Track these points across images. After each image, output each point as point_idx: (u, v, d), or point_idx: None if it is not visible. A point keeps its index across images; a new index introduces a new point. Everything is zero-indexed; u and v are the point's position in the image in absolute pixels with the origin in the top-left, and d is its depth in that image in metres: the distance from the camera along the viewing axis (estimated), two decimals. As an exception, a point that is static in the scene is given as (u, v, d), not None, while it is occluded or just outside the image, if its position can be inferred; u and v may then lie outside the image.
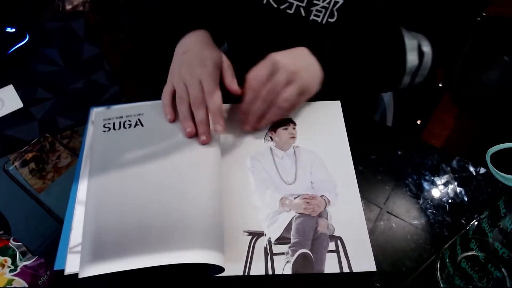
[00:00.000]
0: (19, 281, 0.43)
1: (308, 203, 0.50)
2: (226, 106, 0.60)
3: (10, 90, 0.67)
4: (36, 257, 0.45)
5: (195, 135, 0.53)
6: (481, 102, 1.48)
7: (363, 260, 0.46)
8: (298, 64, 0.52)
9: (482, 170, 0.57)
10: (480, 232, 0.40)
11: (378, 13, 0.56)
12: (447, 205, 0.53)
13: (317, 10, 0.56)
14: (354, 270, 0.45)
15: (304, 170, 0.54)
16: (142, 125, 0.54)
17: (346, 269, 0.45)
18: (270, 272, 0.45)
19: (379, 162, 0.57)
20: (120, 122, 0.55)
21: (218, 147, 0.54)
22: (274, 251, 0.47)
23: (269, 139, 0.57)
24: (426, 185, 0.55)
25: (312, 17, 0.57)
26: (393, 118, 0.85)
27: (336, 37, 0.57)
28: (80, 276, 0.41)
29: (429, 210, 0.53)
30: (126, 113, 0.56)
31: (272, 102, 0.52)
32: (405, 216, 0.52)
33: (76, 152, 0.59)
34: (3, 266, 0.43)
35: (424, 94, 0.94)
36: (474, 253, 0.40)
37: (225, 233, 0.46)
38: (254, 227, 0.48)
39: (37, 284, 0.44)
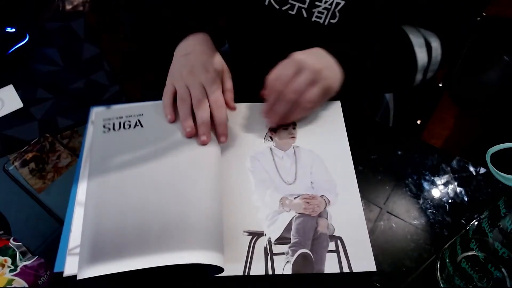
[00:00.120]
0: (19, 281, 0.43)
1: (308, 203, 0.50)
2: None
3: (10, 90, 0.67)
4: (36, 257, 0.45)
5: (194, 135, 0.53)
6: (481, 102, 1.48)
7: (363, 260, 0.46)
8: (322, 63, 0.52)
9: (482, 170, 0.57)
10: (480, 232, 0.40)
11: (379, 14, 0.56)
12: (447, 205, 0.54)
13: (319, 12, 0.56)
14: (354, 270, 0.45)
15: (304, 170, 0.54)
16: (141, 126, 0.54)
17: (346, 269, 0.45)
18: (270, 272, 0.45)
19: (379, 162, 0.57)
20: (120, 123, 0.55)
21: (218, 148, 0.54)
22: (274, 251, 0.47)
23: (269, 139, 0.57)
24: (426, 185, 0.55)
25: (314, 18, 0.57)
26: (393, 118, 0.85)
27: (344, 38, 0.57)
28: (78, 277, 0.41)
29: (429, 210, 0.53)
30: (126, 113, 0.56)
31: (296, 101, 0.52)
32: (405, 216, 0.52)
33: (76, 152, 0.59)
34: (3, 266, 0.43)
35: (424, 94, 0.94)
36: (474, 253, 0.40)
37: (225, 233, 0.46)
38: (254, 227, 0.48)
39: (37, 284, 0.44)
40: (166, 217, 0.45)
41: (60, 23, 0.78)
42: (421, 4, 0.57)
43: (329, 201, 0.51)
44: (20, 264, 0.44)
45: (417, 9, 0.57)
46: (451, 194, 0.55)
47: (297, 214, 0.49)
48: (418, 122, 0.92)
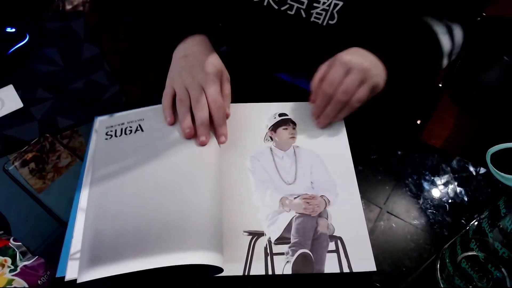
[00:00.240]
0: (19, 281, 0.43)
1: (308, 203, 0.50)
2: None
3: (10, 90, 0.67)
4: (36, 257, 0.45)
5: (194, 136, 0.53)
6: (481, 102, 1.48)
7: (363, 260, 0.46)
8: (368, 62, 0.53)
9: (482, 170, 0.57)
10: (480, 232, 0.40)
11: (378, 15, 0.56)
12: (447, 205, 0.54)
13: (317, 13, 0.56)
14: (354, 270, 0.45)
15: (304, 170, 0.54)
16: (142, 130, 0.55)
17: (346, 269, 0.45)
18: (270, 272, 0.45)
19: (379, 162, 0.57)
20: (121, 129, 0.55)
21: (218, 148, 0.54)
22: (274, 251, 0.47)
23: (269, 139, 0.57)
24: (426, 185, 0.55)
25: (312, 19, 0.58)
26: (393, 118, 0.85)
27: (344, 39, 0.58)
28: (78, 281, 0.41)
29: (429, 210, 0.53)
30: (128, 119, 0.57)
31: (345, 103, 0.53)
32: (405, 216, 0.52)
33: (76, 152, 0.59)
34: (3, 266, 0.43)
35: (424, 94, 0.94)
36: (474, 253, 0.40)
37: (225, 233, 0.46)
38: (254, 227, 0.48)
39: (37, 284, 0.44)
40: (165, 218, 0.45)
41: (60, 23, 0.78)
42: (421, 5, 0.57)
43: (329, 201, 0.51)
44: (20, 264, 0.44)
45: (416, 10, 0.57)
46: (451, 194, 0.55)
47: (297, 214, 0.49)
48: (418, 122, 0.92)
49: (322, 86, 0.53)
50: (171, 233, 0.43)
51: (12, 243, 0.45)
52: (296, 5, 0.57)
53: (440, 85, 0.95)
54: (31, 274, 0.44)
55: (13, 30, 0.76)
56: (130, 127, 0.55)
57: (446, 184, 0.56)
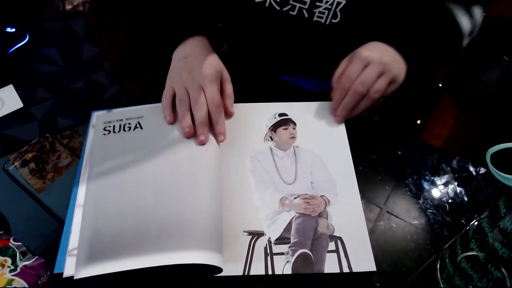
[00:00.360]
0: (19, 281, 0.43)
1: (308, 203, 0.50)
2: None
3: (10, 90, 0.67)
4: (36, 257, 0.45)
5: (193, 135, 0.53)
6: (481, 102, 1.48)
7: (363, 260, 0.46)
8: (387, 55, 0.53)
9: (482, 170, 0.57)
10: (480, 232, 0.40)
11: (380, 13, 0.56)
12: (447, 205, 0.53)
13: (320, 12, 0.56)
14: (354, 270, 0.45)
15: (304, 170, 0.54)
16: (141, 128, 0.55)
17: (346, 269, 0.45)
18: (270, 272, 0.45)
19: (379, 162, 0.57)
20: (120, 125, 0.55)
21: (217, 148, 0.54)
22: (274, 251, 0.47)
23: (269, 139, 0.57)
24: (426, 185, 0.55)
25: (315, 18, 0.57)
26: (393, 118, 0.85)
27: (347, 37, 0.58)
28: (75, 277, 0.41)
29: (429, 210, 0.53)
30: (126, 116, 0.56)
31: (363, 94, 0.53)
32: (405, 216, 0.52)
33: (76, 152, 0.59)
34: (3, 266, 0.43)
35: (424, 94, 0.94)
36: (474, 253, 0.40)
37: (225, 233, 0.46)
38: (254, 227, 0.48)
39: (37, 284, 0.44)
40: (164, 217, 0.45)
41: (60, 23, 0.78)
42: (423, 3, 0.57)
43: (329, 201, 0.51)
44: (20, 264, 0.44)
45: (419, 9, 0.57)
46: (451, 194, 0.55)
47: (297, 214, 0.49)
48: (418, 122, 0.92)
49: (340, 80, 0.53)
50: (170, 232, 0.43)
51: (12, 243, 0.45)
52: (298, 5, 0.57)
53: (440, 85, 0.95)
54: (31, 274, 0.44)
55: (13, 30, 0.76)
56: (129, 124, 0.55)
57: (446, 184, 0.56)
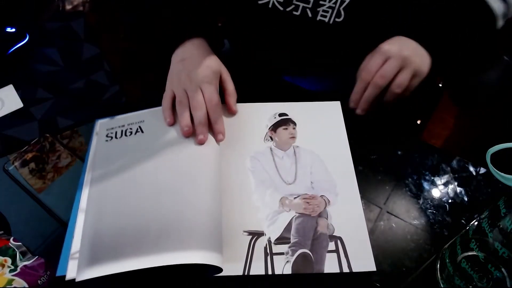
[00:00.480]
0: (19, 281, 0.43)
1: (308, 203, 0.50)
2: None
3: (10, 90, 0.67)
4: (36, 257, 0.45)
5: (192, 135, 0.53)
6: (481, 102, 1.48)
7: (363, 260, 0.46)
8: (408, 49, 0.53)
9: (482, 170, 0.57)
10: (480, 232, 0.40)
11: (383, 11, 0.56)
12: (447, 205, 0.53)
13: (323, 11, 0.56)
14: (354, 270, 0.45)
15: (304, 170, 0.54)
16: (142, 132, 0.55)
17: (346, 269, 0.45)
18: (270, 272, 0.45)
19: (379, 162, 0.57)
20: (122, 131, 0.56)
21: (217, 148, 0.54)
22: (274, 251, 0.47)
23: (269, 139, 0.57)
24: (426, 185, 0.55)
25: (319, 17, 0.58)
26: (393, 118, 0.85)
27: (351, 36, 0.58)
28: (77, 279, 0.41)
29: (429, 210, 0.53)
30: (128, 121, 0.57)
31: (382, 87, 0.53)
32: (405, 216, 0.52)
33: (76, 152, 0.59)
34: (3, 266, 0.43)
35: (424, 94, 0.94)
36: (474, 253, 0.40)
37: (225, 233, 0.47)
38: (254, 227, 0.48)
39: (37, 284, 0.44)
40: (165, 218, 0.45)
41: (60, 23, 0.78)
42: (425, 3, 0.56)
43: (329, 201, 0.51)
44: (20, 264, 0.44)
45: (421, 8, 0.57)
46: (451, 194, 0.55)
47: (297, 214, 0.49)
48: (418, 122, 0.92)
49: (361, 74, 0.54)
50: (170, 233, 0.43)
51: (12, 243, 0.45)
52: (302, 4, 0.57)
53: (440, 85, 0.95)
54: (31, 274, 0.44)
55: (13, 30, 0.76)
56: (130, 128, 0.56)
57: (446, 184, 0.56)
